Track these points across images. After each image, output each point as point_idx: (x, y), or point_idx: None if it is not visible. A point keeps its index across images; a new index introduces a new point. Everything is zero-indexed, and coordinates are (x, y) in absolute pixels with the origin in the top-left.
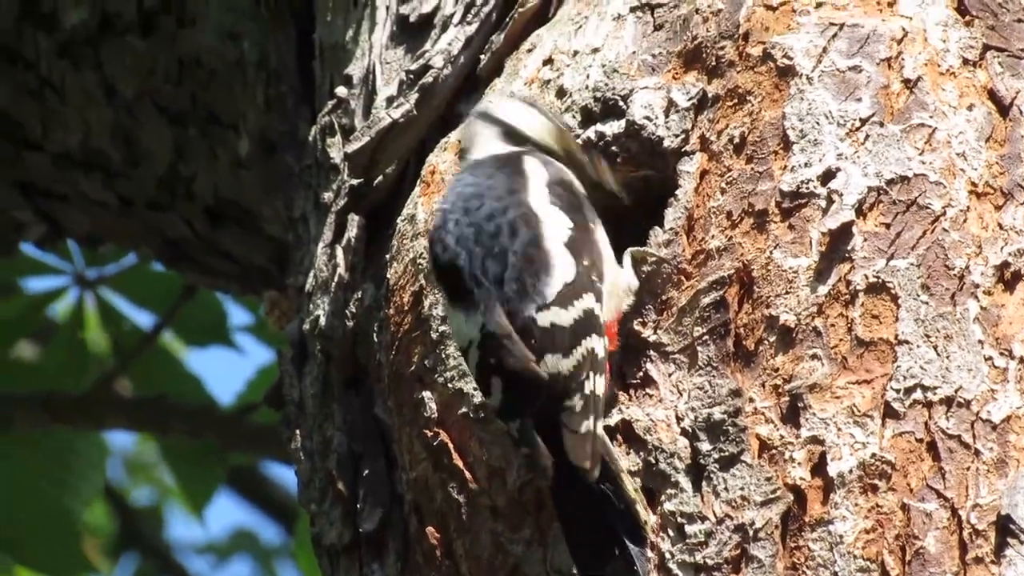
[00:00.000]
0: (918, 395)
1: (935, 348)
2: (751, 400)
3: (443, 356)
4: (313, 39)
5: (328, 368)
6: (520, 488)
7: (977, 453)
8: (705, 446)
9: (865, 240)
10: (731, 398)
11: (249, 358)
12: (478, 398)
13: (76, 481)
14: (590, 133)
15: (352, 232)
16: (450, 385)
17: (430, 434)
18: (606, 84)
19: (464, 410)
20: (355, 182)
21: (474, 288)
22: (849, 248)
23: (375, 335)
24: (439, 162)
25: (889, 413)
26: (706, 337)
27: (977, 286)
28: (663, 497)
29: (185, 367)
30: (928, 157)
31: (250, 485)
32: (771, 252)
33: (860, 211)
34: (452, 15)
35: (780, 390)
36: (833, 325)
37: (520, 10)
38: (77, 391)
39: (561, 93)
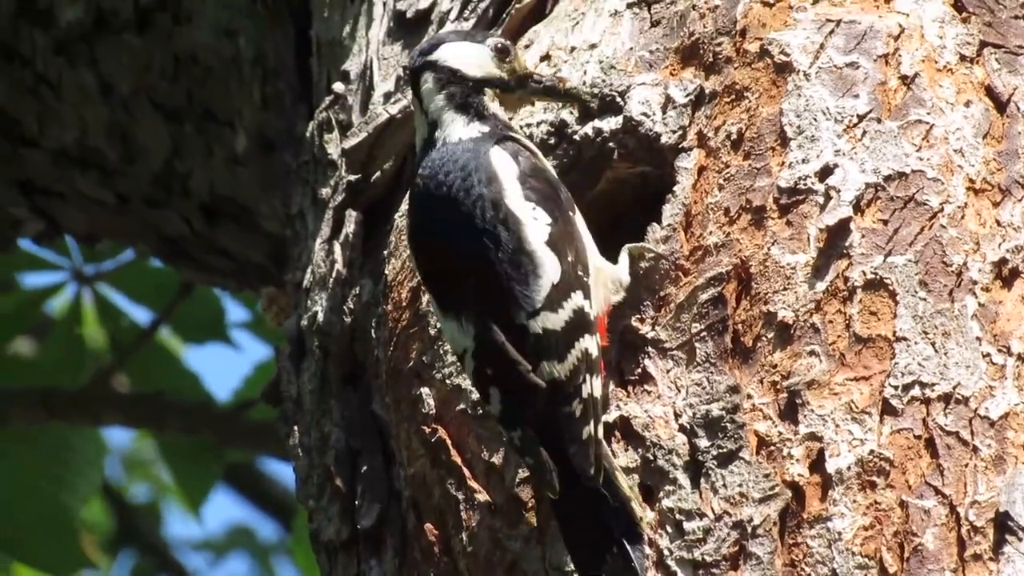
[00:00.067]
0: (916, 392)
1: (933, 345)
2: (749, 396)
3: (441, 352)
4: (310, 36)
5: (326, 364)
6: (518, 484)
7: (975, 450)
8: (703, 442)
9: (863, 236)
10: (729, 394)
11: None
12: (476, 394)
13: (74, 478)
14: (587, 129)
15: (350, 228)
16: (448, 381)
17: (428, 430)
18: (603, 80)
19: (462, 406)
20: (352, 178)
21: (462, 296)
22: (847, 244)
23: (373, 331)
24: None
25: (887, 410)
26: (704, 333)
27: (975, 283)
28: (661, 494)
29: (182, 363)
30: (926, 153)
31: (247, 481)
32: (769, 248)
33: (858, 207)
34: (449, 11)
35: (778, 386)
36: (831, 322)
37: (517, 6)
38: (74, 387)
39: None
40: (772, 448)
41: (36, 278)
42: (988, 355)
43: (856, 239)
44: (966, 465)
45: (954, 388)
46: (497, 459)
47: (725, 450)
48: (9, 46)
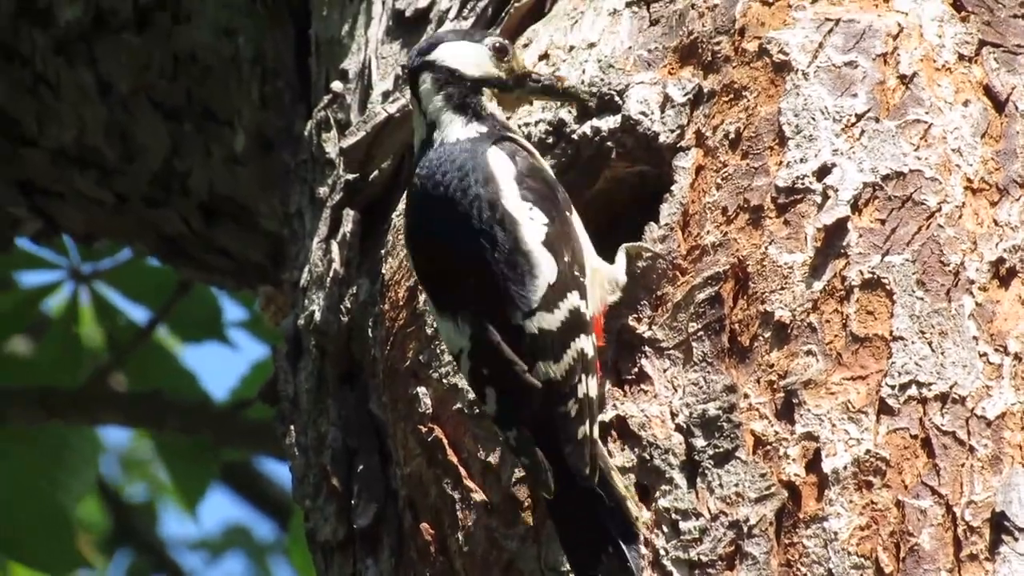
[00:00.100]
0: (913, 391)
1: (930, 344)
2: (746, 396)
3: (438, 352)
4: (309, 35)
5: (323, 364)
6: (514, 484)
7: (972, 450)
8: (700, 442)
9: (860, 236)
10: (726, 394)
11: (244, 354)
12: (472, 394)
13: (68, 477)
14: (586, 128)
15: (347, 227)
16: (445, 381)
17: (424, 430)
18: (602, 79)
19: (458, 406)
20: (350, 177)
21: (458, 296)
22: (844, 244)
23: (370, 330)
24: None
25: (884, 409)
26: (701, 333)
27: (972, 282)
28: (658, 493)
29: (180, 362)
30: (924, 153)
31: (244, 481)
32: (766, 248)
33: (855, 207)
34: (448, 10)
35: (775, 386)
36: (828, 321)
37: (516, 5)
38: (71, 386)
39: None
40: (768, 448)
41: (33, 277)
42: (985, 355)
43: (853, 238)
44: (962, 465)
45: (951, 388)
46: (493, 459)
47: (721, 450)
48: (8, 46)
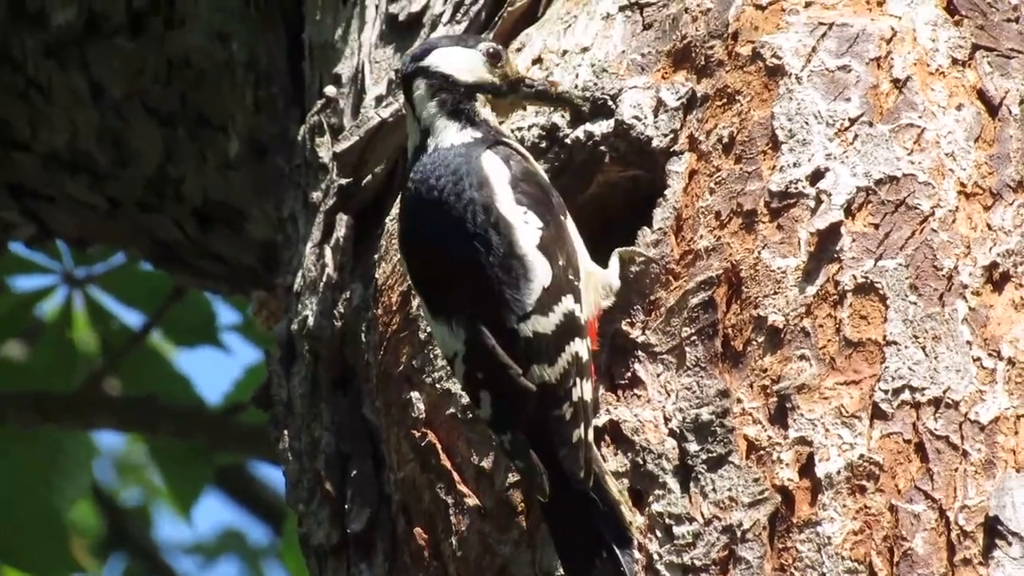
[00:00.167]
0: (906, 396)
1: (923, 349)
2: (739, 401)
3: (431, 356)
4: (303, 39)
5: (316, 368)
6: (508, 489)
7: (965, 454)
8: (693, 447)
9: (853, 240)
10: (719, 399)
11: (237, 358)
12: (466, 398)
13: (62, 481)
14: (579, 133)
15: (340, 232)
16: (438, 386)
17: (418, 434)
18: (595, 84)
19: (452, 410)
20: (344, 182)
21: (453, 300)
22: (837, 248)
23: (363, 335)
24: None
25: (877, 414)
26: (694, 337)
27: (965, 287)
28: (651, 498)
29: (173, 367)
30: (917, 157)
31: (238, 485)
32: (759, 252)
33: (849, 211)
34: (441, 14)
35: (768, 391)
36: (821, 326)
37: (509, 9)
38: (65, 390)
39: None
40: (762, 452)
41: (27, 281)
42: (978, 359)
43: (847, 243)
44: (956, 469)
45: (944, 392)
46: (487, 463)
47: (715, 454)
48: (1, 49)
